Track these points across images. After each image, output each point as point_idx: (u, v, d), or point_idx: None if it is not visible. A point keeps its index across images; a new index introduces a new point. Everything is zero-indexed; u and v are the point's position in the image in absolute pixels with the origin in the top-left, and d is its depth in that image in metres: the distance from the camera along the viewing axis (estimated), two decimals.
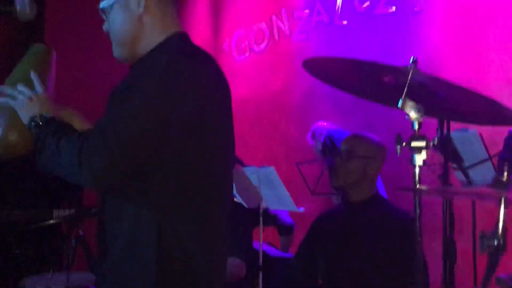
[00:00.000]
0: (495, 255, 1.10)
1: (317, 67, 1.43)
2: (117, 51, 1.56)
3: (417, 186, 1.25)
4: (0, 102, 1.55)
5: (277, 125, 4.76)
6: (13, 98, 1.53)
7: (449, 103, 1.40)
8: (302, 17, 4.69)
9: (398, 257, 2.15)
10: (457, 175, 2.42)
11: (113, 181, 1.38)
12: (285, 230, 3.63)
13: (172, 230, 1.40)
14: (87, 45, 3.97)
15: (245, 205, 3.08)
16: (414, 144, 1.25)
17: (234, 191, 3.10)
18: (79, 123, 1.59)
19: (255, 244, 3.11)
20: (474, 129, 2.24)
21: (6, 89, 1.56)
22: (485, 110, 1.39)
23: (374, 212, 2.33)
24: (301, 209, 3.00)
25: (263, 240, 3.48)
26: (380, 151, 2.40)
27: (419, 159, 1.26)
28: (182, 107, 1.38)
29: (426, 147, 1.25)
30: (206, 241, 1.45)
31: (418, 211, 1.27)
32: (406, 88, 1.23)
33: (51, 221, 2.98)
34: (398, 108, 1.30)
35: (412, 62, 1.29)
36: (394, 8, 4.13)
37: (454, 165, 2.35)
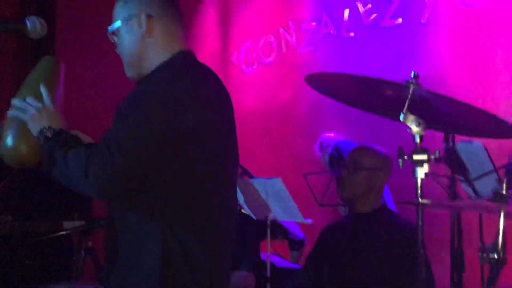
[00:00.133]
0: (495, 268, 1.10)
1: (320, 82, 1.46)
2: (128, 71, 1.63)
3: (419, 199, 1.26)
4: (12, 114, 1.62)
5: (285, 136, 4.78)
6: (23, 111, 1.58)
7: (451, 117, 1.42)
8: (309, 30, 4.72)
9: (403, 268, 2.15)
10: (463, 187, 2.42)
11: (117, 191, 1.43)
12: (295, 244, 3.63)
13: (176, 240, 1.44)
14: (97, 59, 4.03)
15: (253, 216, 3.10)
16: (416, 157, 1.27)
17: (242, 203, 3.12)
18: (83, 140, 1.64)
19: (263, 256, 3.12)
20: (479, 141, 2.25)
21: (17, 102, 1.61)
22: (487, 124, 1.41)
23: (380, 223, 2.34)
24: (309, 221, 3.01)
25: (273, 253, 3.49)
26: (386, 163, 2.41)
27: (421, 172, 1.27)
28: (183, 121, 1.43)
29: (428, 160, 1.27)
30: (210, 251, 1.49)
31: (420, 224, 1.28)
32: (407, 102, 1.25)
33: (62, 233, 3.01)
34: (400, 121, 1.32)
35: (413, 77, 1.31)
36: (400, 20, 4.16)
37: (460, 177, 2.36)
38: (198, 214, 1.48)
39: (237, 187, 3.02)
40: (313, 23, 4.69)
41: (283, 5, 4.94)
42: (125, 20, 1.58)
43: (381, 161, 2.40)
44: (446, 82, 3.81)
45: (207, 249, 1.48)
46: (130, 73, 1.63)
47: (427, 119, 1.36)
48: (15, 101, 1.62)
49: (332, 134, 3.92)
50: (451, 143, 2.03)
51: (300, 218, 2.96)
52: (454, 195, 2.32)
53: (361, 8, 4.38)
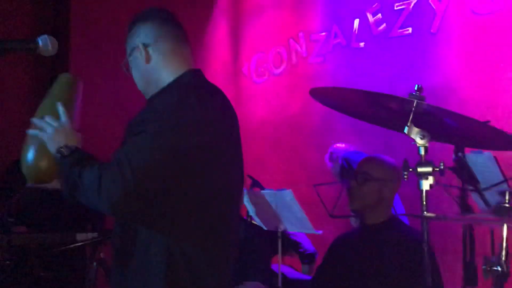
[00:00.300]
0: (499, 281, 1.10)
1: (324, 96, 1.48)
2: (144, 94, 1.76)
3: (425, 212, 1.26)
4: (31, 133, 1.71)
5: (296, 147, 4.79)
6: (42, 130, 1.67)
7: (456, 129, 1.42)
8: (319, 40, 4.74)
9: (413, 279, 2.14)
10: (474, 198, 2.41)
11: (128, 207, 1.48)
12: (307, 257, 3.63)
13: (181, 253, 1.51)
14: (111, 76, 4.09)
15: (264, 227, 3.11)
16: (421, 169, 1.27)
17: (253, 214, 3.13)
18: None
19: (274, 267, 3.12)
20: (488, 151, 2.24)
21: (36, 121, 1.71)
22: (493, 137, 1.41)
23: (390, 234, 2.33)
24: (319, 232, 3.01)
25: (285, 265, 3.49)
26: (396, 173, 2.40)
27: (426, 184, 1.28)
28: (191, 138, 1.50)
29: (433, 173, 1.27)
30: (214, 263, 1.55)
31: (426, 236, 1.28)
32: (411, 116, 1.26)
33: (75, 244, 3.05)
34: (404, 134, 1.33)
35: (417, 89, 1.32)
36: (410, 30, 4.16)
37: (471, 188, 2.34)
38: (203, 228, 1.54)
39: (247, 199, 3.07)
40: (323, 34, 4.71)
41: (293, 16, 4.97)
42: (130, 53, 1.73)
43: (391, 172, 2.39)
44: (456, 92, 3.80)
45: (211, 261, 1.54)
46: (145, 96, 1.77)
47: (433, 132, 1.36)
48: (35, 120, 1.71)
49: (343, 145, 3.92)
50: (460, 154, 2.01)
51: (310, 229, 2.96)
52: (465, 206, 2.31)
53: (370, 18, 4.40)
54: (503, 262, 1.11)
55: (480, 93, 3.72)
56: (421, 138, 1.28)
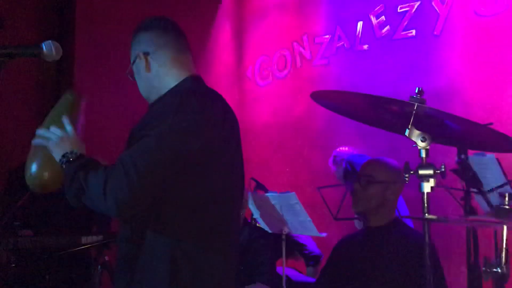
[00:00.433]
0: (499, 283, 1.10)
1: (325, 99, 1.49)
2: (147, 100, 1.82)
3: (426, 214, 1.27)
4: (36, 143, 1.76)
5: (301, 150, 4.80)
6: (46, 139, 1.72)
7: (458, 131, 1.42)
8: (323, 43, 4.75)
9: (417, 281, 2.14)
10: (477, 200, 2.41)
11: (134, 208, 1.53)
12: (311, 260, 3.63)
13: (184, 254, 1.55)
14: (116, 82, 4.11)
15: (268, 230, 3.11)
16: (422, 172, 1.28)
17: (258, 216, 3.14)
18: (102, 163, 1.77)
19: (279, 269, 3.13)
20: (491, 153, 2.24)
21: (40, 132, 1.76)
22: (494, 140, 1.41)
23: (393, 236, 2.33)
24: (323, 234, 3.01)
25: (289, 267, 3.49)
26: (399, 176, 2.40)
27: (427, 186, 1.28)
28: (192, 141, 1.54)
29: (434, 175, 1.27)
30: (217, 264, 1.59)
31: (427, 238, 1.29)
32: (411, 118, 1.27)
33: (80, 247, 3.06)
34: (406, 136, 1.34)
35: (417, 92, 1.33)
36: (414, 32, 4.16)
37: (474, 190, 2.34)
38: (204, 229, 1.58)
39: (252, 202, 3.07)
40: (327, 37, 4.72)
41: (297, 19, 4.98)
42: (133, 61, 1.78)
43: (394, 174, 2.40)
44: (460, 93, 3.80)
45: (213, 262, 1.58)
46: (147, 99, 1.82)
47: (434, 134, 1.37)
48: (39, 131, 1.76)
49: (346, 148, 3.92)
50: (462, 156, 2.02)
51: (314, 232, 2.96)
52: (468, 208, 2.30)
53: (374, 20, 4.40)
54: (503, 263, 1.11)
55: (484, 95, 3.72)
56: (422, 141, 1.29)
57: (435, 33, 4.03)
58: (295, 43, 4.94)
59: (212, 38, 5.27)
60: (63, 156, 1.65)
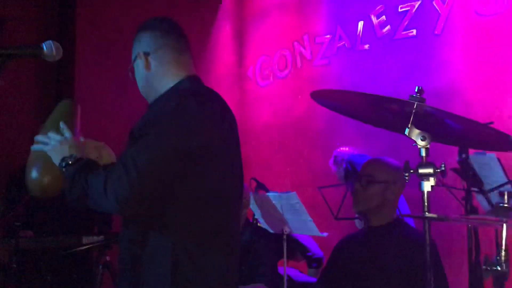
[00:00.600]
0: (499, 281, 1.10)
1: (325, 99, 1.49)
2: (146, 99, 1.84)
3: (426, 213, 1.27)
4: (35, 149, 1.79)
5: (301, 150, 4.80)
6: (46, 144, 1.75)
7: (458, 130, 1.42)
8: (323, 43, 4.75)
9: (418, 280, 2.14)
10: (478, 199, 2.41)
11: (135, 207, 1.54)
12: (313, 262, 3.63)
13: (185, 252, 1.56)
14: (116, 81, 4.11)
15: (269, 230, 3.12)
16: (422, 171, 1.28)
17: (259, 216, 3.14)
18: (107, 153, 1.78)
19: (280, 269, 3.13)
20: (492, 152, 2.24)
21: (39, 138, 1.79)
22: (495, 139, 1.41)
23: (394, 236, 2.33)
24: (324, 234, 3.01)
25: (291, 268, 3.48)
26: (400, 176, 2.39)
27: (427, 185, 1.28)
28: (192, 139, 1.55)
29: (434, 174, 1.28)
30: (218, 262, 1.60)
31: (427, 236, 1.29)
32: (411, 117, 1.27)
33: (81, 248, 3.07)
34: (405, 135, 1.34)
35: (417, 91, 1.33)
36: (414, 31, 4.16)
37: (475, 189, 2.34)
38: (204, 228, 1.60)
39: (253, 202, 3.07)
40: (327, 36, 4.72)
41: (298, 19, 4.98)
42: (134, 60, 1.81)
43: (394, 174, 2.40)
44: (461, 93, 3.80)
45: (214, 260, 1.59)
46: (146, 98, 1.84)
47: (434, 133, 1.37)
48: (38, 137, 1.79)
49: (347, 148, 3.92)
50: (463, 155, 2.01)
51: (315, 232, 2.97)
52: (469, 207, 2.30)
53: (375, 20, 4.40)
54: (502, 261, 1.11)
55: (485, 94, 3.72)
56: (422, 140, 1.29)
57: (436, 32, 4.03)
58: (295, 43, 4.94)
59: (213, 38, 5.27)
60: (63, 160, 1.67)
